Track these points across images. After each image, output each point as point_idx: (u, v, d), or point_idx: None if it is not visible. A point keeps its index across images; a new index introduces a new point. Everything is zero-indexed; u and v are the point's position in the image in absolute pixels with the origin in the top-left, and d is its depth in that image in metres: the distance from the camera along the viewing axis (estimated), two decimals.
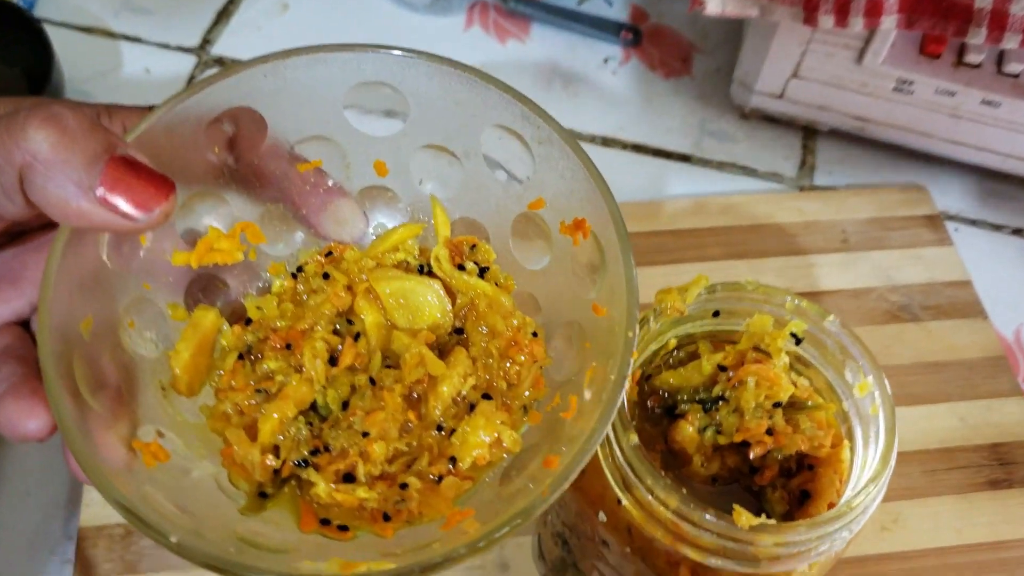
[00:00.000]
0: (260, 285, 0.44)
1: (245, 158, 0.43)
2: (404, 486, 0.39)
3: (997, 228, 0.76)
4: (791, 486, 0.43)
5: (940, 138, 0.74)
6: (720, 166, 0.78)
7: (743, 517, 0.37)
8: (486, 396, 0.41)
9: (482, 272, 0.43)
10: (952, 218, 0.76)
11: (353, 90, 0.42)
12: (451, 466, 0.39)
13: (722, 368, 0.44)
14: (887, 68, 0.70)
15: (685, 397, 0.45)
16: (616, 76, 0.84)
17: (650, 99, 0.82)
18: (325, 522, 0.39)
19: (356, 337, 0.42)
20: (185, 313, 0.42)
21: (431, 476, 0.39)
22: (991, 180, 0.78)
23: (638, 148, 0.79)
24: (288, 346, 0.41)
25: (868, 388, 0.41)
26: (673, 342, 0.44)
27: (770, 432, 0.43)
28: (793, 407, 0.44)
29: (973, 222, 0.76)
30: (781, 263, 0.70)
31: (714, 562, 0.38)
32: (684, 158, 0.78)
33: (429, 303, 0.42)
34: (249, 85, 0.41)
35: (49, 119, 0.35)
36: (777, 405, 0.43)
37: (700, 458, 0.43)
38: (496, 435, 0.39)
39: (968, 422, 0.64)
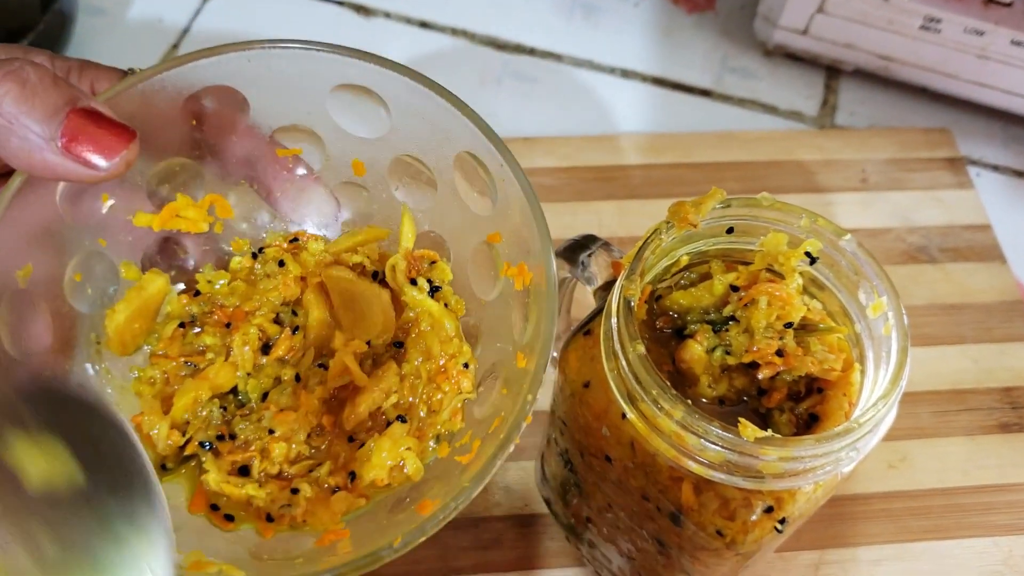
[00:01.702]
0: (222, 259, 0.45)
1: (223, 135, 0.43)
2: (295, 491, 0.39)
3: (1020, 174, 0.74)
4: (799, 409, 0.43)
5: (966, 80, 0.72)
6: (741, 103, 0.77)
7: (748, 429, 0.36)
8: (401, 418, 0.40)
9: (434, 291, 0.43)
10: (974, 163, 0.75)
11: (338, 88, 0.42)
12: (350, 480, 0.39)
13: (734, 288, 0.43)
14: (915, 4, 0.69)
15: (695, 318, 0.44)
16: (638, 8, 0.82)
17: (671, 33, 0.81)
18: (214, 507, 0.39)
19: (295, 329, 0.42)
20: (138, 273, 0.43)
21: (327, 485, 0.39)
22: (1016, 125, 0.76)
23: (658, 81, 0.78)
24: (228, 325, 0.42)
25: (881, 308, 0.40)
26: (685, 259, 0.44)
27: (780, 354, 0.42)
28: (804, 329, 0.43)
29: (995, 167, 0.75)
30: (799, 200, 0.68)
31: (718, 476, 0.38)
32: (704, 93, 0.77)
33: (374, 311, 0.42)
34: (233, 66, 0.41)
35: (9, 74, 0.36)
36: (788, 326, 0.42)
37: (707, 379, 0.43)
38: (400, 460, 0.39)
39: (981, 364, 0.63)
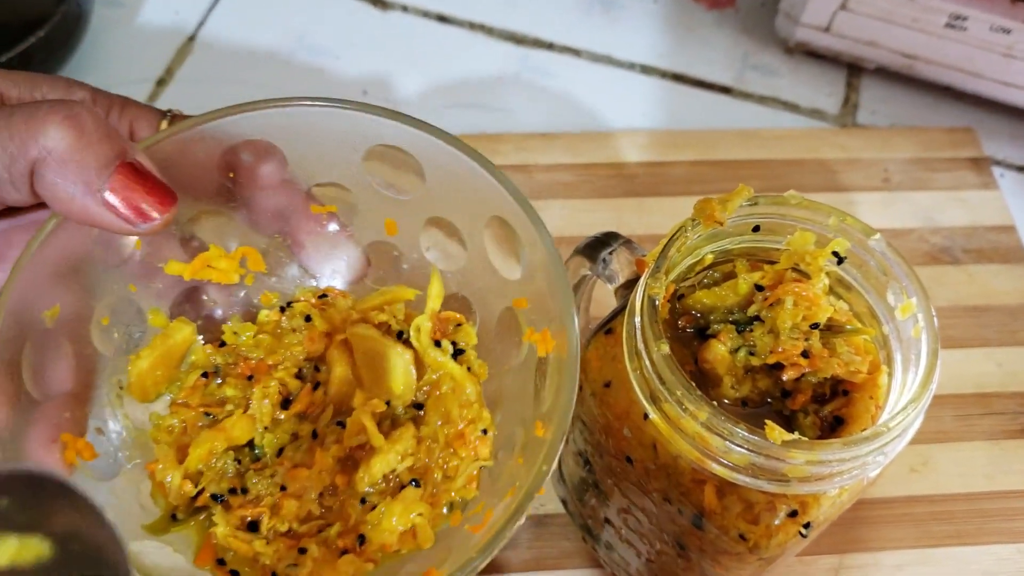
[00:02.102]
0: (250, 311, 0.45)
1: (259, 188, 0.43)
2: (303, 551, 0.38)
3: None
4: (824, 412, 0.42)
5: (991, 79, 0.71)
6: (761, 100, 0.76)
7: (775, 432, 0.35)
8: (415, 482, 0.40)
9: (457, 354, 0.42)
10: (999, 163, 0.74)
11: (374, 147, 0.42)
12: (359, 543, 0.39)
13: (759, 288, 0.43)
14: (940, 2, 0.68)
15: (718, 317, 0.43)
16: (657, 4, 0.81)
17: (692, 29, 0.80)
18: (221, 562, 0.39)
19: (316, 385, 0.42)
20: (165, 320, 0.43)
21: (335, 547, 0.39)
22: None
23: (678, 78, 0.77)
24: (250, 377, 0.42)
25: (911, 309, 0.39)
26: (710, 258, 0.43)
27: (805, 355, 0.41)
28: (831, 331, 0.42)
29: (1020, 168, 0.73)
30: (821, 199, 0.68)
31: (742, 480, 0.37)
32: (725, 90, 0.76)
33: (396, 371, 0.42)
34: (272, 121, 0.41)
35: (69, 118, 0.36)
36: (815, 327, 0.41)
37: (731, 379, 0.42)
38: (411, 526, 0.38)
39: (1005, 368, 0.62)
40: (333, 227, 0.45)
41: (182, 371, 0.43)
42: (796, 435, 0.36)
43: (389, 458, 0.40)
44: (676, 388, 0.36)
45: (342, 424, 0.41)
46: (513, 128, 0.72)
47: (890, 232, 0.67)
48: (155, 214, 0.37)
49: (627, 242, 0.46)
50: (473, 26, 0.79)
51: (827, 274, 0.42)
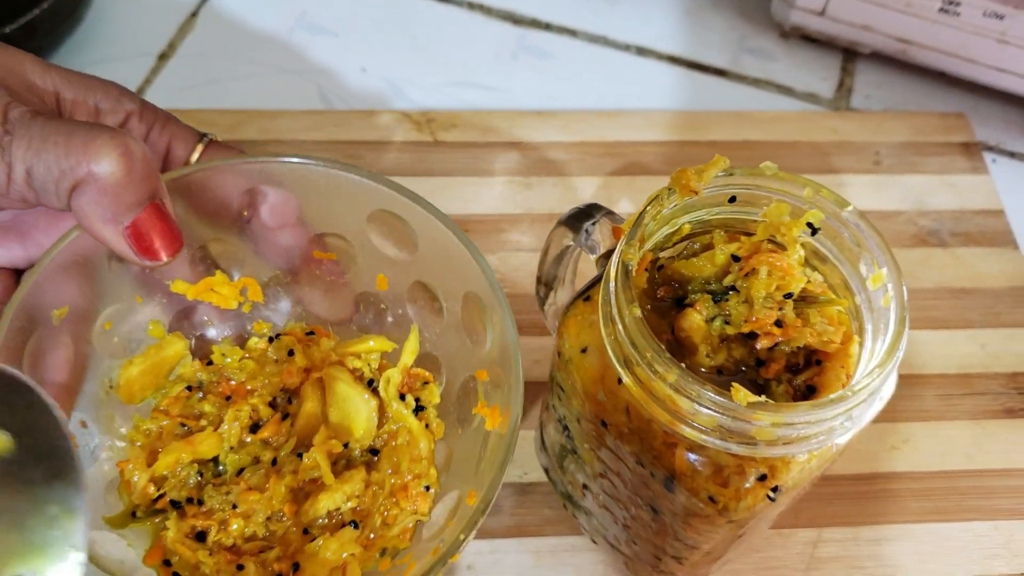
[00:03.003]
0: (241, 335, 0.48)
1: (272, 226, 0.47)
2: (241, 567, 0.41)
3: None
4: (797, 381, 0.42)
5: (985, 65, 0.72)
6: (756, 83, 0.76)
7: (741, 393, 0.36)
8: (355, 524, 0.43)
9: (419, 410, 0.46)
10: (991, 149, 0.74)
11: (377, 211, 0.46)
12: (292, 570, 0.42)
13: (735, 259, 0.43)
14: None
15: (696, 288, 0.44)
16: None
17: (689, 12, 0.80)
18: (167, 563, 0.42)
19: (285, 416, 0.46)
20: (163, 332, 0.47)
21: (271, 569, 0.42)
22: None
23: (673, 60, 0.77)
24: (228, 398, 0.46)
25: (881, 280, 0.40)
26: (687, 228, 0.44)
27: (779, 324, 0.42)
28: (804, 301, 0.43)
29: (1012, 154, 0.74)
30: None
31: (711, 442, 0.38)
32: (720, 73, 0.77)
33: (359, 416, 0.45)
34: (293, 171, 0.45)
35: (124, 155, 0.39)
36: (788, 296, 0.42)
37: (706, 348, 0.43)
38: (343, 564, 0.41)
39: (989, 349, 0.63)
40: (331, 273, 0.48)
41: (169, 381, 0.47)
42: (763, 398, 0.36)
43: (336, 497, 0.43)
44: (647, 351, 0.37)
45: (301, 456, 0.44)
46: (509, 106, 0.73)
47: (879, 214, 0.68)
48: (163, 255, 0.41)
49: (609, 213, 0.46)
50: (472, 6, 0.79)
51: (803, 246, 0.43)
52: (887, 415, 0.59)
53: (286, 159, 0.44)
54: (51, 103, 0.44)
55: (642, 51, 0.78)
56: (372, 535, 0.43)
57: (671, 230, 0.43)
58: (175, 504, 0.43)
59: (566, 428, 0.47)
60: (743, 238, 0.44)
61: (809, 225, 0.42)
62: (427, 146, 0.68)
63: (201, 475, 0.44)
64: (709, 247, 0.44)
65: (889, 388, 0.39)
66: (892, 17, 0.72)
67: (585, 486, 0.49)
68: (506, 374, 0.41)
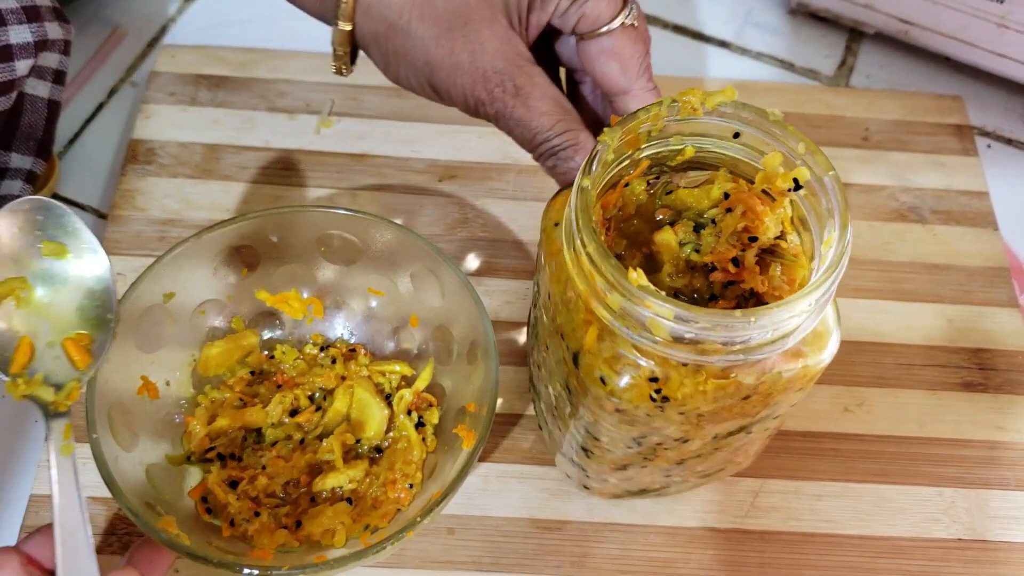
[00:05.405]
0: (301, 340, 0.60)
1: (336, 264, 0.59)
2: (257, 514, 0.52)
3: None
4: None
5: (984, 49, 0.72)
6: (758, 56, 0.78)
7: (634, 275, 0.38)
8: (350, 501, 0.53)
9: (420, 425, 0.56)
10: (988, 134, 0.75)
11: (417, 265, 0.56)
12: (295, 526, 0.52)
13: (726, 197, 0.45)
14: None
15: (689, 216, 0.46)
16: None
17: None
18: (204, 499, 0.53)
19: (318, 408, 0.57)
20: (242, 326, 0.59)
21: (280, 521, 0.52)
22: None
23: (678, 29, 0.79)
24: (279, 386, 0.57)
25: (831, 245, 0.41)
26: (691, 151, 0.45)
27: (737, 264, 0.44)
28: (772, 254, 0.45)
29: (1009, 141, 0.74)
30: None
31: (615, 324, 0.40)
32: (723, 44, 0.78)
33: (374, 420, 0.56)
34: (357, 225, 0.56)
35: None
36: (753, 240, 0.44)
37: (671, 268, 0.45)
38: (332, 529, 0.51)
39: (956, 324, 0.64)
40: (375, 305, 0.59)
41: (238, 365, 0.58)
42: (653, 288, 0.39)
43: (341, 477, 0.53)
44: (583, 226, 0.40)
45: (322, 440, 0.55)
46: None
47: (861, 187, 0.69)
48: None
49: None
50: None
51: (792, 205, 0.44)
52: (844, 378, 0.61)
53: (362, 215, 0.56)
54: None
55: (649, 19, 0.79)
56: (361, 512, 0.53)
57: (674, 147, 0.45)
58: (220, 457, 0.54)
59: (535, 305, 0.50)
60: (742, 182, 0.45)
61: (795, 181, 0.43)
62: None
63: (245, 439, 0.55)
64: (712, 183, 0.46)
65: (792, 334, 0.40)
66: None
67: (538, 365, 0.52)
68: (480, 408, 0.51)
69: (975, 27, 0.71)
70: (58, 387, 0.45)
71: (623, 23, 0.48)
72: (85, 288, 0.47)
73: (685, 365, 0.41)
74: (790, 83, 0.76)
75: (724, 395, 0.42)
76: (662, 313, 0.38)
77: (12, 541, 0.54)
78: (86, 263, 0.47)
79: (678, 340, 0.39)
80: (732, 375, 0.41)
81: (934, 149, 0.71)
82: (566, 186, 0.49)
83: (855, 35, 0.79)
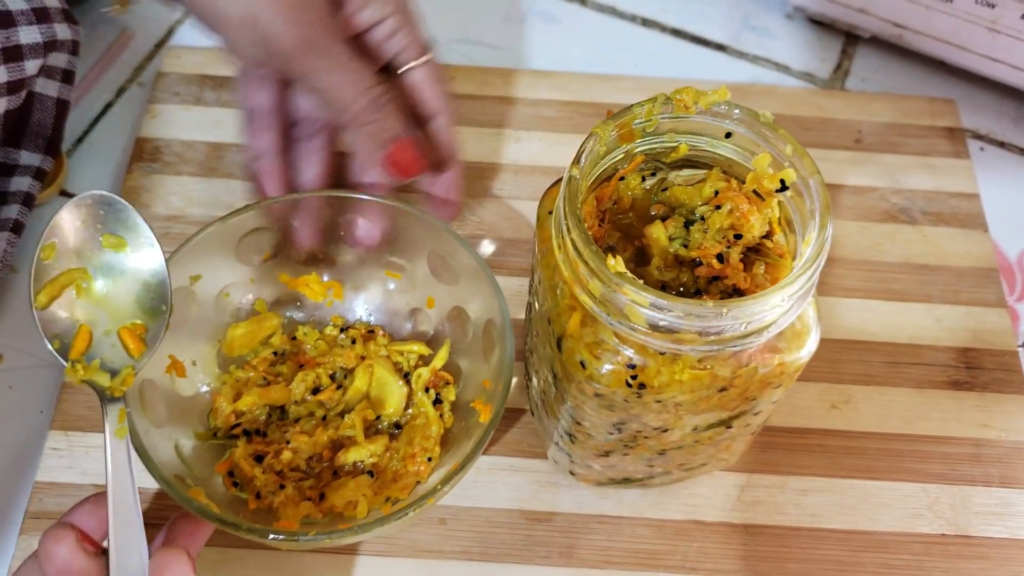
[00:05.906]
0: (321, 321, 0.62)
1: (358, 246, 0.61)
2: (282, 487, 0.54)
3: None
4: None
5: (977, 53, 0.73)
6: (755, 60, 0.79)
7: (612, 261, 0.39)
8: (371, 474, 0.55)
9: (437, 402, 0.58)
10: (981, 137, 0.75)
11: (432, 252, 0.59)
12: (319, 498, 0.54)
13: (716, 194, 0.46)
14: None
15: (682, 213, 0.47)
16: None
17: None
18: (230, 473, 0.55)
19: (339, 386, 0.58)
20: (265, 308, 0.61)
21: (305, 494, 0.54)
22: None
23: (676, 32, 0.80)
24: (302, 366, 0.59)
25: (809, 243, 0.42)
26: (685, 148, 0.46)
27: (721, 260, 0.45)
28: (758, 253, 0.46)
29: (1001, 143, 0.75)
30: None
31: (596, 310, 0.41)
32: (720, 47, 0.79)
33: (393, 398, 0.57)
34: (380, 208, 0.58)
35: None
36: (738, 238, 0.45)
37: (659, 262, 0.46)
38: (355, 501, 0.53)
39: (943, 324, 0.65)
40: (392, 288, 0.61)
41: (261, 345, 0.60)
42: (630, 275, 0.40)
43: (362, 452, 0.55)
44: (569, 214, 0.41)
45: (343, 417, 0.57)
46: (511, 66, 0.77)
47: (852, 189, 0.70)
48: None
49: None
50: None
51: (781, 206, 0.45)
52: (831, 375, 0.62)
53: (379, 199, 0.57)
54: None
55: (647, 22, 0.81)
56: (382, 485, 0.54)
57: (667, 145, 0.46)
58: (246, 432, 0.56)
59: (530, 291, 0.52)
60: (734, 181, 0.47)
61: (781, 181, 0.44)
62: None
63: (269, 416, 0.57)
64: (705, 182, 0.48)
65: (756, 341, 0.42)
66: (889, 2, 0.73)
67: (531, 351, 0.53)
68: (496, 384, 0.52)
69: (967, 31, 0.72)
70: (114, 373, 0.48)
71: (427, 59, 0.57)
72: (141, 280, 0.50)
73: (663, 354, 0.42)
74: (785, 86, 0.77)
75: (700, 386, 0.43)
76: (638, 300, 0.39)
77: (16, 527, 0.55)
78: (143, 256, 0.50)
79: (655, 328, 0.40)
80: (708, 366, 0.42)
81: (926, 152, 0.72)
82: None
83: (851, 39, 0.80)
